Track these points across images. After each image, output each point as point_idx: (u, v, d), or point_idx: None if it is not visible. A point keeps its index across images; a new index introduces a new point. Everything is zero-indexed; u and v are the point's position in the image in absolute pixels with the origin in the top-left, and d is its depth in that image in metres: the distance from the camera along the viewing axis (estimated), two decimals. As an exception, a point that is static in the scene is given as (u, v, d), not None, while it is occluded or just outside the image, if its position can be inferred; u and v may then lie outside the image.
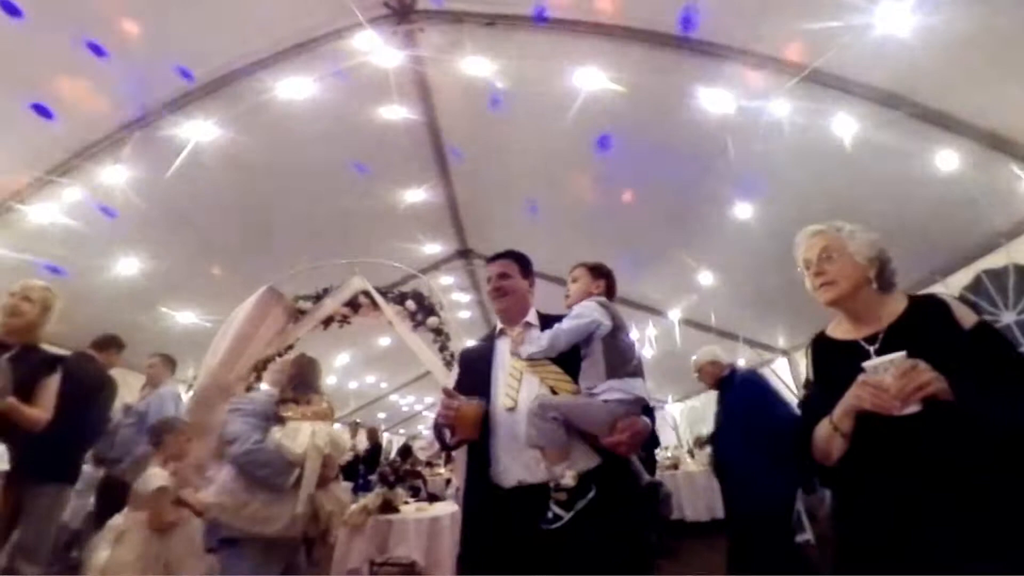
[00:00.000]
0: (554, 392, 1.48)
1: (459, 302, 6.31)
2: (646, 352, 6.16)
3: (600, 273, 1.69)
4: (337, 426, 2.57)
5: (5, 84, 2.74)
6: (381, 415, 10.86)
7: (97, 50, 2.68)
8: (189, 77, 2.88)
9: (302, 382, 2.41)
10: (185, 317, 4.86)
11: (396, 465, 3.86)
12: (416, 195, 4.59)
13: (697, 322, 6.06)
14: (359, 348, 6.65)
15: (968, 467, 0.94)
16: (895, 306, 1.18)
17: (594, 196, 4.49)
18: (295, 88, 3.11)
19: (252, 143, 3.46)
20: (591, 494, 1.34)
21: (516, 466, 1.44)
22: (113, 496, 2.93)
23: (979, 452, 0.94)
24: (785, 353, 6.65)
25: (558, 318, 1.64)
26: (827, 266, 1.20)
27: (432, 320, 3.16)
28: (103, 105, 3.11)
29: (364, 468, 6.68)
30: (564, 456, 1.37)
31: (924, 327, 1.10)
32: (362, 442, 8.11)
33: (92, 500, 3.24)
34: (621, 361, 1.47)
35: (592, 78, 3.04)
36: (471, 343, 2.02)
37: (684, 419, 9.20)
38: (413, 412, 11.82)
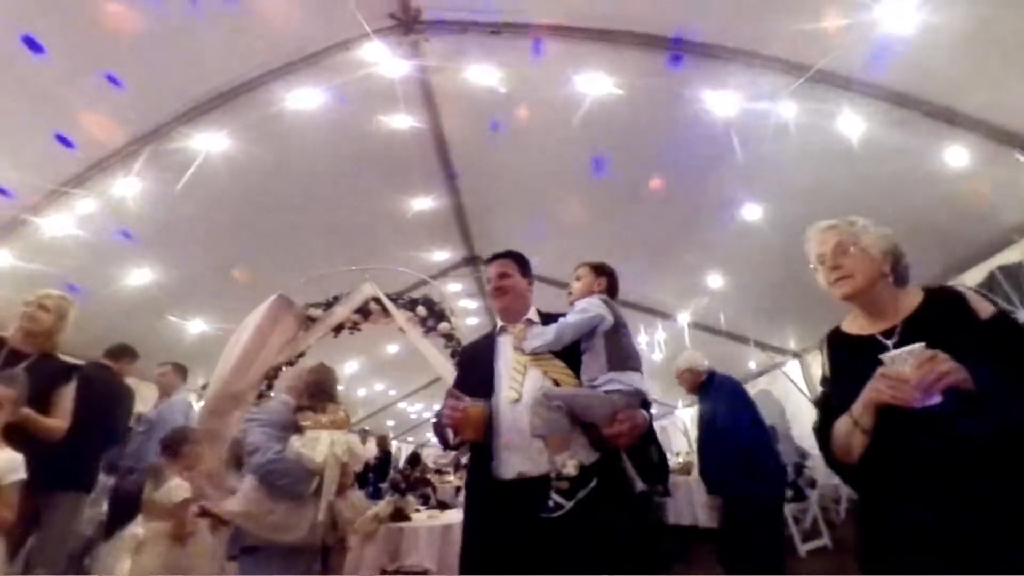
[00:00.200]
0: (556, 384, 1.51)
1: (467, 308, 6.32)
2: (655, 356, 6.12)
3: (602, 271, 1.74)
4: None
5: (22, 98, 2.81)
6: (390, 423, 10.85)
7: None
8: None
9: (319, 390, 2.45)
10: (195, 326, 4.91)
11: (407, 473, 3.84)
12: (423, 203, 4.62)
13: (707, 325, 6.02)
14: (368, 356, 6.67)
15: (992, 459, 0.92)
16: (911, 299, 1.17)
17: (601, 200, 4.50)
18: (303, 99, 3.16)
19: (261, 153, 3.51)
20: (592, 484, 1.35)
21: (518, 458, 1.45)
22: (124, 505, 2.95)
23: (1001, 443, 0.93)
24: (797, 355, 6.58)
25: (559, 316, 1.67)
26: (843, 260, 1.19)
27: (443, 326, 3.17)
28: (116, 118, 3.17)
29: (374, 476, 6.66)
30: (566, 445, 1.39)
31: (941, 319, 1.09)
32: (371, 450, 8.09)
33: (103, 508, 3.26)
34: (622, 355, 1.51)
35: (597, 83, 3.05)
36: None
37: (695, 424, 9.09)
38: (421, 419, 11.80)
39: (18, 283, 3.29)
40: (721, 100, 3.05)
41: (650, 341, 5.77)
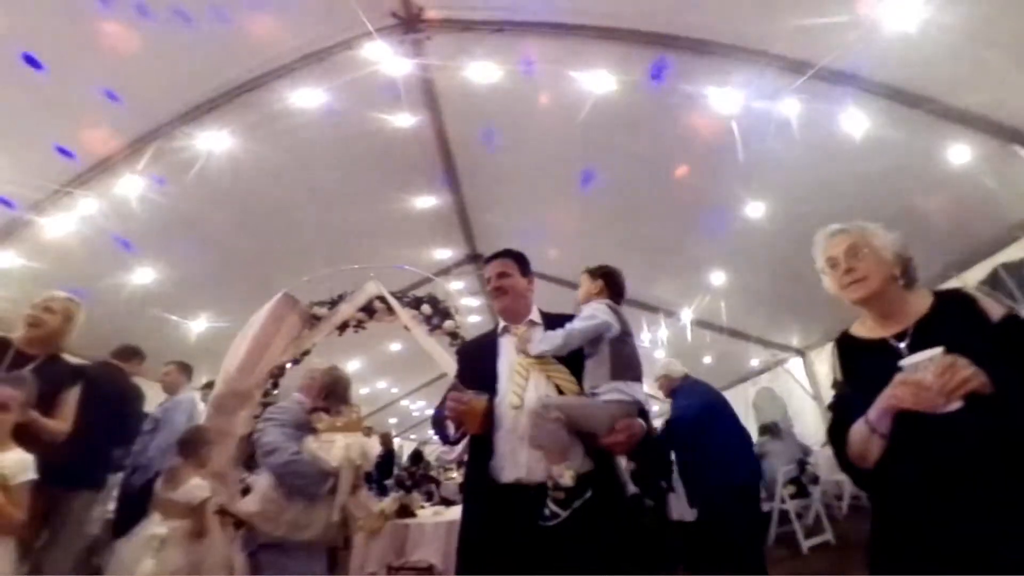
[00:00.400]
0: (560, 391, 1.52)
1: (469, 306, 6.33)
2: (657, 353, 6.13)
3: (597, 274, 1.74)
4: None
5: (26, 98, 2.81)
6: (392, 420, 10.88)
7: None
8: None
9: (333, 393, 2.49)
10: (199, 324, 4.92)
11: (412, 470, 3.86)
12: (425, 201, 4.63)
13: (709, 323, 6.02)
14: (370, 353, 6.69)
15: (1008, 462, 0.93)
16: (921, 302, 1.17)
17: (604, 197, 4.49)
18: (306, 98, 3.15)
19: (265, 152, 3.51)
20: (588, 495, 1.38)
21: (516, 463, 1.46)
22: (132, 503, 2.97)
23: (1018, 445, 0.93)
24: (800, 352, 6.58)
25: (561, 317, 1.67)
26: (856, 263, 1.19)
27: (448, 323, 3.18)
28: (120, 117, 3.17)
29: (377, 473, 6.69)
30: (564, 456, 1.41)
31: (952, 322, 1.09)
32: (376, 448, 8.11)
33: (109, 507, 3.28)
34: (626, 365, 1.52)
35: (601, 81, 3.05)
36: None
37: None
38: (424, 417, 11.83)
39: (23, 284, 3.30)
40: (723, 97, 3.05)
41: (653, 339, 5.77)
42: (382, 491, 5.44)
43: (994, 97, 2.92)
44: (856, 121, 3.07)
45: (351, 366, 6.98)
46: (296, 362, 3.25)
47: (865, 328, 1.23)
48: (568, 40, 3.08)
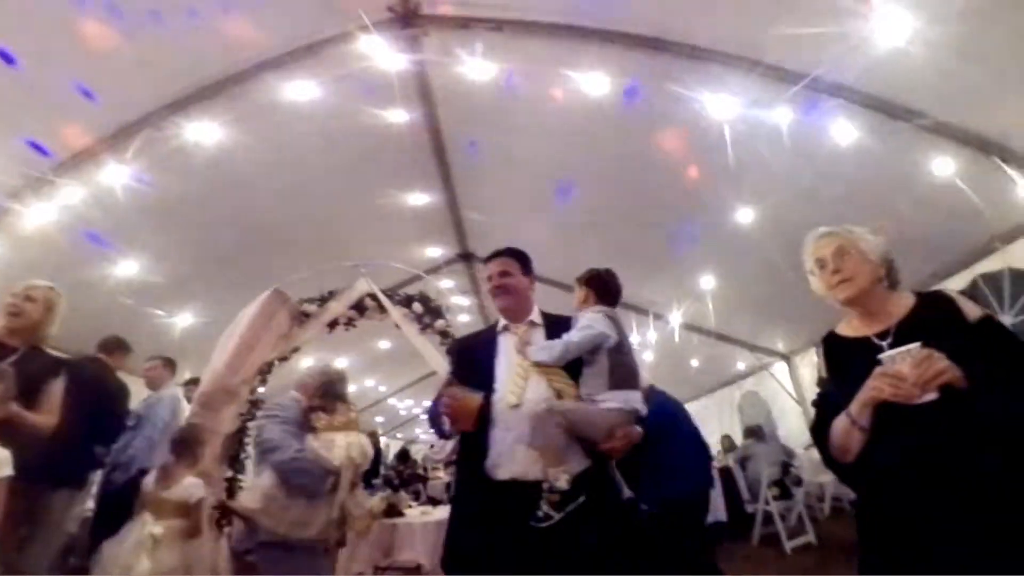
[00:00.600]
0: (559, 394, 1.53)
1: (460, 305, 6.31)
2: (646, 356, 6.18)
3: (583, 282, 1.77)
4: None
5: (6, 82, 2.73)
6: (379, 419, 10.80)
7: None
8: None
9: (330, 391, 2.48)
10: (184, 320, 4.83)
11: (400, 469, 3.84)
12: (418, 198, 4.60)
13: (697, 326, 6.09)
14: (358, 351, 6.62)
15: (986, 458, 0.96)
16: (903, 302, 1.22)
17: (595, 199, 4.52)
18: (298, 90, 3.11)
19: (254, 145, 3.46)
20: (582, 499, 1.39)
21: (513, 462, 1.46)
22: (113, 502, 2.90)
23: (993, 441, 0.97)
24: (784, 357, 6.69)
25: (561, 319, 1.68)
26: (844, 264, 1.23)
27: (440, 323, 3.16)
28: (106, 106, 3.09)
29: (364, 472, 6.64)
30: (562, 460, 1.43)
31: (933, 322, 1.14)
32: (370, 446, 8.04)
33: (89, 505, 3.20)
34: (625, 375, 1.55)
35: (596, 83, 3.06)
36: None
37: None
38: (411, 416, 11.76)
39: (1, 273, 3.20)
40: (715, 103, 3.09)
41: (642, 341, 5.82)
42: (370, 490, 5.39)
43: (977, 111, 3.00)
44: (844, 131, 3.13)
45: (339, 364, 6.91)
46: (285, 359, 3.21)
47: (850, 328, 1.28)
48: (565, 42, 3.09)
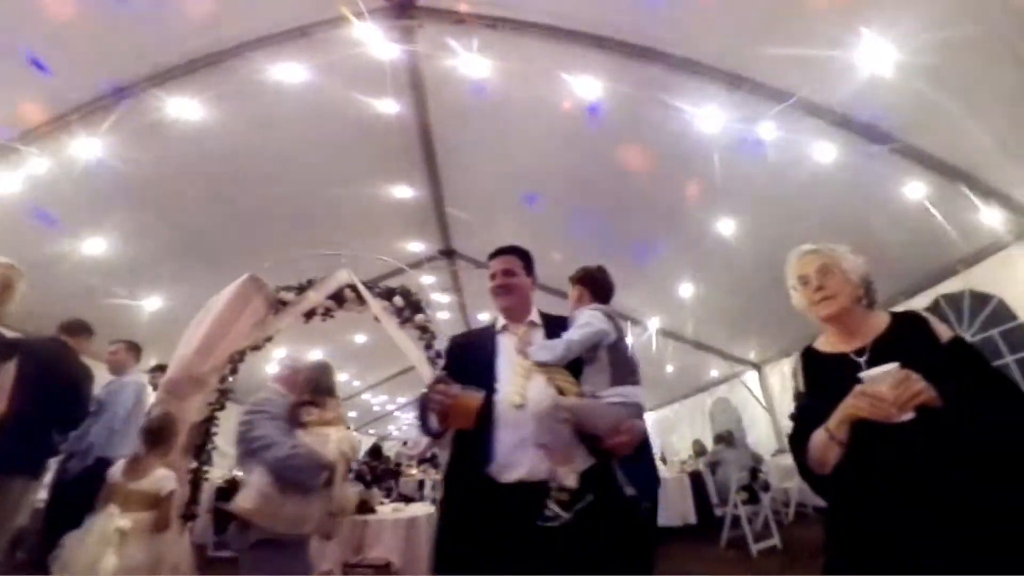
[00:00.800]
0: (561, 392, 1.51)
1: (439, 303, 6.26)
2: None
3: (575, 281, 1.80)
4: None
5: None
6: (352, 414, 10.61)
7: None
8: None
9: (320, 386, 2.43)
10: (152, 303, 4.64)
11: (372, 465, 3.77)
12: (402, 191, 4.54)
13: (674, 333, 6.20)
14: (333, 344, 6.49)
15: (959, 474, 1.00)
16: (879, 321, 1.26)
17: (579, 201, 4.55)
18: (286, 72, 3.03)
19: (235, 125, 3.36)
20: (589, 498, 1.38)
21: (519, 463, 1.44)
22: (68, 492, 2.75)
23: (966, 458, 1.01)
24: (756, 366, 6.88)
25: (559, 319, 1.68)
26: (826, 281, 1.27)
27: (419, 317, 3.12)
28: (80, 75, 2.95)
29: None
30: (569, 458, 1.42)
31: (907, 341, 1.18)
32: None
33: (42, 495, 3.03)
34: (626, 370, 1.56)
35: (588, 87, 3.08)
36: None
37: (656, 428, 9.40)
38: (385, 412, 11.61)
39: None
40: (703, 116, 3.15)
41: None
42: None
43: (946, 139, 3.14)
44: (822, 151, 3.24)
45: (312, 356, 6.76)
46: (257, 348, 3.12)
47: (827, 344, 1.31)
48: (560, 44, 3.10)
